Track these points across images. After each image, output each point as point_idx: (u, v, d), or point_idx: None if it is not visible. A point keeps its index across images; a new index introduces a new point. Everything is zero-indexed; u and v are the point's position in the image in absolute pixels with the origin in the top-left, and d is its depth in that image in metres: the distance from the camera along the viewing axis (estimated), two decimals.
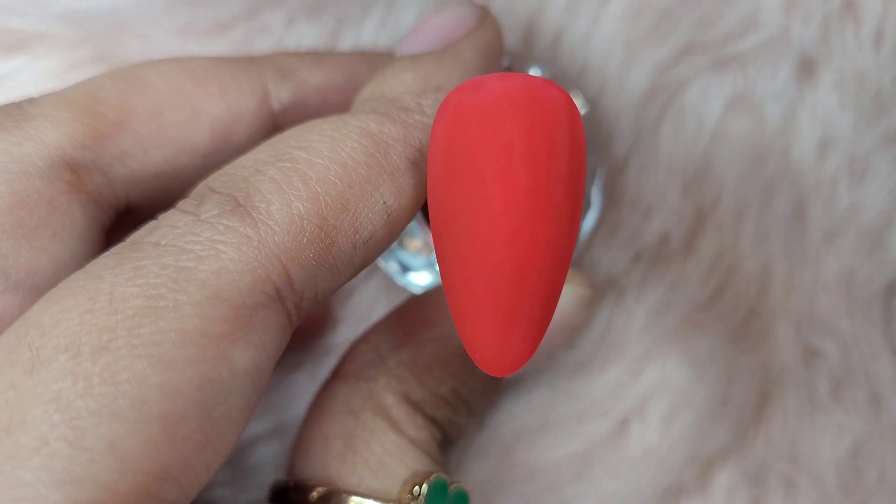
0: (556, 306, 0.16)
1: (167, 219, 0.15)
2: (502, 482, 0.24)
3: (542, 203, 0.15)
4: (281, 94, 0.20)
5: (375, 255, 0.17)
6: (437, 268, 0.24)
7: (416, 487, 0.18)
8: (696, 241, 0.25)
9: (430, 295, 0.21)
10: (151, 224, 0.15)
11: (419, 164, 0.17)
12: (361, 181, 0.16)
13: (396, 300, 0.25)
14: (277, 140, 0.16)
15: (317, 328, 0.25)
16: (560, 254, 0.16)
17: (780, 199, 0.24)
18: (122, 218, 0.19)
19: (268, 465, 0.25)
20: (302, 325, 0.16)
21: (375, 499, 0.18)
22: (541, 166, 0.15)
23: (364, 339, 0.21)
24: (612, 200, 0.25)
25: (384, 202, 0.16)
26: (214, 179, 0.16)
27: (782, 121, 0.24)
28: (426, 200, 0.17)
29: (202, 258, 0.14)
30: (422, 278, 0.24)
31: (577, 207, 0.16)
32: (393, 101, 0.17)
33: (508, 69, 0.24)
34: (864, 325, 0.24)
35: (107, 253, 0.15)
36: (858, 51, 0.24)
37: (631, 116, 0.25)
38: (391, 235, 0.17)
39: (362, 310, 0.25)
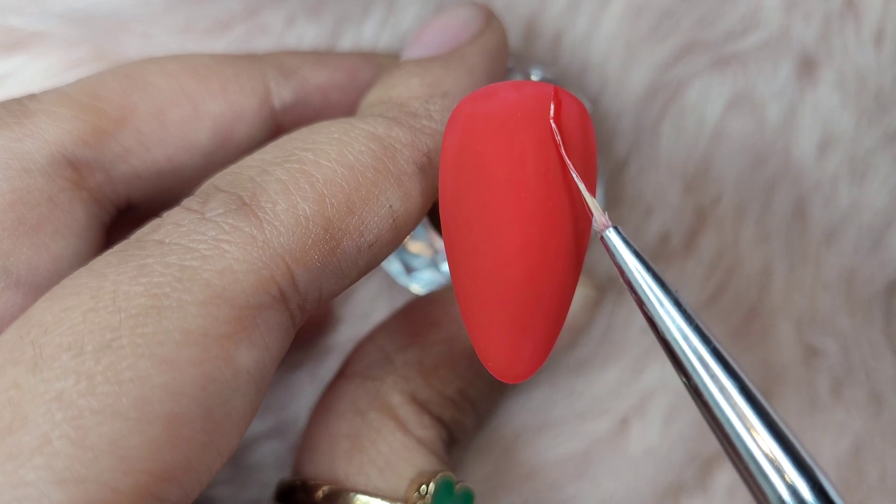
0: (566, 313, 0.16)
1: (172, 216, 0.15)
2: (503, 480, 0.24)
3: (554, 213, 0.15)
4: (282, 93, 0.20)
5: (380, 259, 0.17)
6: (439, 269, 0.24)
7: (423, 487, 0.18)
8: (696, 241, 0.25)
9: (435, 296, 0.21)
10: (156, 221, 0.15)
11: (426, 170, 0.17)
12: (368, 185, 0.16)
13: (397, 300, 0.25)
14: (284, 141, 0.16)
15: (318, 328, 0.25)
16: (571, 262, 0.16)
17: (781, 198, 0.24)
18: (122, 215, 0.19)
19: (268, 464, 0.24)
20: (303, 324, 0.16)
21: (382, 498, 0.18)
22: (553, 176, 0.15)
23: (370, 338, 0.21)
24: (612, 200, 0.25)
25: (390, 206, 0.16)
26: (220, 178, 0.16)
27: (783, 120, 0.24)
28: (431, 205, 0.17)
29: (206, 257, 0.14)
30: (423, 279, 0.24)
31: (588, 216, 0.16)
32: (401, 106, 0.17)
33: (510, 70, 0.24)
34: (865, 325, 0.24)
35: (110, 250, 0.15)
36: (859, 50, 0.24)
37: (631, 116, 0.25)
38: (396, 239, 0.17)
39: (363, 309, 0.25)
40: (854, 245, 0.24)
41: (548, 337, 0.16)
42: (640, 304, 0.15)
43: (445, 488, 0.18)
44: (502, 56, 0.20)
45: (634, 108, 0.25)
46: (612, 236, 0.15)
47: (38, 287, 0.17)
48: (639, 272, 0.15)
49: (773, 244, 0.25)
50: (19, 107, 0.18)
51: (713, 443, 0.24)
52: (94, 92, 0.18)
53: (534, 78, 0.24)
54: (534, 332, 0.16)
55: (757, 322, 0.25)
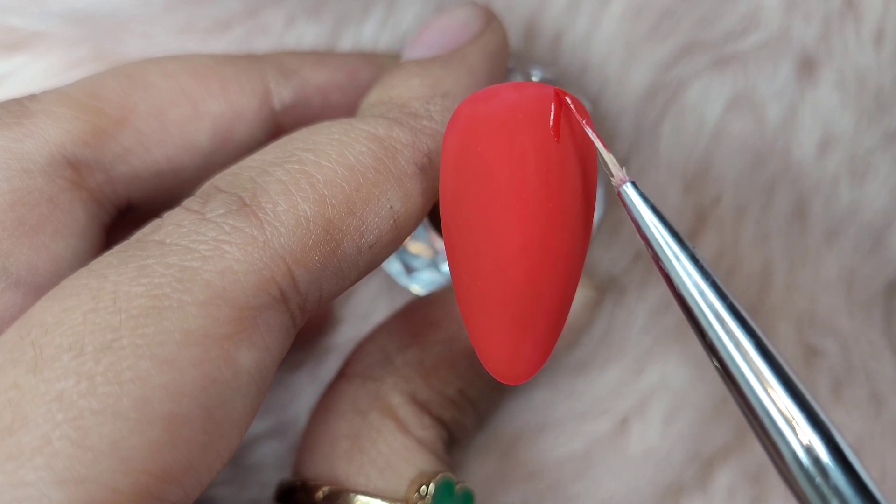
0: (567, 315, 0.16)
1: (172, 217, 0.15)
2: (503, 481, 0.24)
3: (555, 214, 0.15)
4: (282, 94, 0.20)
5: (381, 260, 0.17)
6: (439, 269, 0.24)
7: (423, 487, 0.18)
8: (696, 241, 0.25)
9: (436, 296, 0.21)
10: (156, 222, 0.15)
11: (427, 170, 0.17)
12: (369, 185, 0.16)
13: (397, 300, 0.25)
14: (285, 142, 0.16)
15: (318, 328, 0.25)
16: (572, 263, 0.16)
17: (781, 198, 0.24)
18: (122, 216, 0.19)
19: (268, 464, 0.24)
20: (303, 325, 0.16)
21: (382, 498, 0.18)
22: (554, 177, 0.15)
23: (371, 339, 0.21)
24: (612, 200, 0.25)
25: (391, 207, 0.16)
26: (220, 179, 0.16)
27: (783, 120, 0.24)
28: (431, 205, 0.17)
29: (207, 258, 0.14)
30: (423, 279, 0.24)
31: (589, 217, 0.16)
32: (401, 107, 0.17)
33: (511, 71, 0.24)
34: (865, 325, 0.24)
35: (111, 251, 0.15)
36: (859, 50, 0.24)
37: (631, 116, 0.25)
38: (397, 240, 0.17)
39: (363, 310, 0.25)
40: (854, 245, 0.24)
41: (548, 338, 0.16)
42: (657, 259, 0.15)
43: (446, 489, 0.18)
44: (503, 56, 0.20)
45: (634, 108, 0.25)
46: (630, 191, 0.15)
47: (38, 287, 0.17)
48: (655, 227, 0.15)
49: (773, 244, 0.25)
50: (19, 107, 0.18)
51: (713, 443, 0.24)
52: (94, 92, 0.18)
53: (534, 78, 0.24)
54: (534, 332, 0.16)
55: (757, 322, 0.25)
